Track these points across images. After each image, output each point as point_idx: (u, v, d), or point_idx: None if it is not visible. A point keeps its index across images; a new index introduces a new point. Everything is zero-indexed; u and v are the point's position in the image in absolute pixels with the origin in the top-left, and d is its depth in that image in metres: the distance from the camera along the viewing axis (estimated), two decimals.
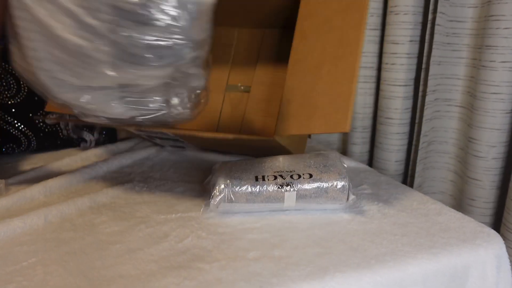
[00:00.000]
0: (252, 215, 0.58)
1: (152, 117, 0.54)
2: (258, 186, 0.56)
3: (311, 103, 0.61)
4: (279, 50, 0.86)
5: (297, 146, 0.75)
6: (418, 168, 0.87)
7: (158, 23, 0.48)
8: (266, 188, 0.56)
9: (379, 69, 0.95)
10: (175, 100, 0.54)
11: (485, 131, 0.76)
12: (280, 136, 0.64)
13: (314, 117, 0.60)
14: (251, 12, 0.83)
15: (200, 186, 0.68)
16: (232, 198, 0.56)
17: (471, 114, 0.79)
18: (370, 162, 1.01)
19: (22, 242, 0.51)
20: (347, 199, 0.57)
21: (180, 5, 0.49)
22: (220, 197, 0.56)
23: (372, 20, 0.90)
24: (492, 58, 0.73)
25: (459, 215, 0.58)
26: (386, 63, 0.88)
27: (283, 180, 0.56)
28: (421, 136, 0.85)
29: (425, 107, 0.84)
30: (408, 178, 0.92)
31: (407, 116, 0.90)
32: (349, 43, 0.61)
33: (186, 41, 0.50)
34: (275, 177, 0.57)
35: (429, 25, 0.82)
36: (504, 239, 0.54)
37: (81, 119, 0.56)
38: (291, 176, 0.57)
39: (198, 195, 0.65)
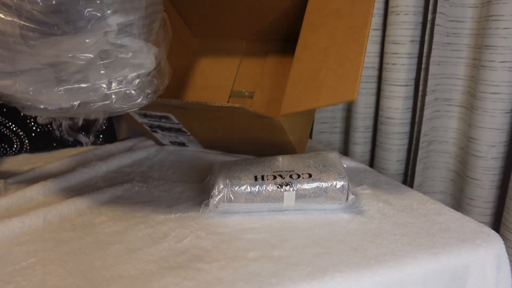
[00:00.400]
0: (251, 215, 0.57)
1: (96, 105, 0.49)
2: (257, 186, 0.56)
3: (318, 81, 0.61)
4: (283, 60, 0.89)
5: (298, 140, 0.75)
6: (418, 168, 0.87)
7: None
8: (266, 188, 0.56)
9: (380, 69, 0.95)
10: (121, 84, 0.49)
11: (485, 131, 0.76)
12: (285, 116, 0.64)
13: (321, 92, 0.59)
14: (257, 20, 0.86)
15: (199, 186, 0.68)
16: (231, 198, 0.56)
17: (470, 114, 0.79)
18: (372, 162, 1.01)
19: (21, 242, 0.51)
20: (347, 199, 0.57)
21: None
22: (219, 196, 0.56)
23: (373, 20, 0.90)
24: (491, 58, 0.73)
25: (459, 215, 0.58)
26: (387, 63, 0.88)
27: (282, 180, 0.56)
28: (421, 135, 0.85)
29: (425, 107, 0.84)
30: (408, 177, 0.92)
31: (408, 116, 0.90)
32: (357, 27, 0.61)
33: (100, 1, 0.44)
34: (274, 177, 0.57)
35: (428, 25, 0.82)
36: (504, 239, 0.54)
37: (24, 113, 0.52)
38: (291, 176, 0.57)
39: (198, 195, 0.65)
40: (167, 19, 0.59)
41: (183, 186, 0.68)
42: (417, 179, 0.88)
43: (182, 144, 0.88)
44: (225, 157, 0.83)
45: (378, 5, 0.90)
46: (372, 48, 0.92)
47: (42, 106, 0.50)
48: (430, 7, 0.81)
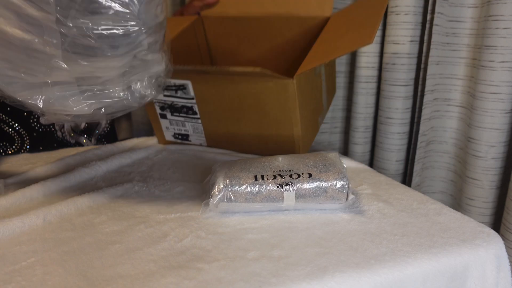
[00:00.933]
0: (251, 215, 0.57)
1: (116, 105, 0.53)
2: (257, 186, 0.56)
3: (335, 45, 0.67)
4: None
5: (303, 137, 0.77)
6: (416, 168, 0.87)
7: (108, 11, 0.45)
8: (266, 187, 0.56)
9: (380, 69, 0.95)
10: (137, 86, 0.53)
11: (484, 131, 0.76)
12: (299, 80, 0.68)
13: (338, 48, 0.65)
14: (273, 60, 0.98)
15: (199, 186, 0.68)
16: (231, 198, 0.56)
17: (470, 114, 0.79)
18: (371, 162, 1.01)
19: (21, 242, 0.51)
20: (347, 198, 0.57)
21: None
22: (219, 196, 0.56)
23: None
24: (491, 58, 0.73)
25: (458, 215, 0.58)
26: (387, 63, 0.88)
27: (282, 180, 0.56)
28: (419, 135, 0.85)
29: (424, 107, 0.84)
30: (407, 177, 0.92)
31: (408, 116, 0.90)
32: (371, 15, 0.68)
33: (140, 27, 0.48)
34: (275, 177, 0.57)
35: (427, 25, 0.82)
36: (504, 239, 0.54)
37: (43, 121, 0.55)
38: (291, 176, 0.57)
39: (198, 194, 0.65)
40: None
41: (183, 186, 0.68)
42: (415, 179, 0.88)
43: (185, 138, 0.88)
44: (225, 157, 0.83)
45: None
46: (372, 48, 0.92)
47: (61, 114, 0.52)
48: (429, 7, 0.81)
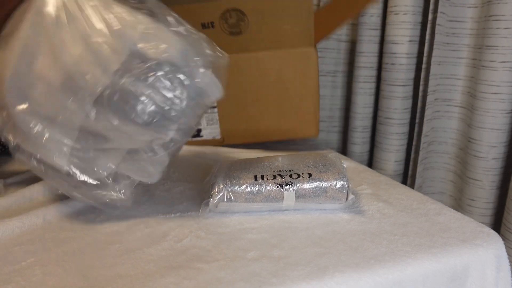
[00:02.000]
0: (251, 215, 0.57)
1: (88, 188, 0.51)
2: (257, 186, 0.56)
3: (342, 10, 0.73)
4: None
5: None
6: (418, 169, 0.87)
7: (162, 89, 0.46)
8: (265, 187, 0.56)
9: (379, 69, 0.95)
10: (118, 179, 0.51)
11: (485, 131, 0.76)
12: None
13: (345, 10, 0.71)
14: None
15: (199, 186, 0.68)
16: (231, 198, 0.56)
17: (471, 114, 0.79)
18: (370, 162, 1.01)
19: (21, 242, 0.51)
20: (347, 198, 0.57)
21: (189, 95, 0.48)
22: (219, 196, 0.56)
23: (372, 20, 0.91)
24: (492, 58, 0.73)
25: (458, 215, 0.58)
26: (386, 63, 0.88)
27: (282, 180, 0.56)
28: (422, 136, 0.85)
29: (426, 107, 0.84)
30: (408, 178, 0.92)
31: (407, 116, 0.90)
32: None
33: (178, 119, 0.49)
34: (274, 177, 0.57)
35: (429, 25, 0.82)
36: (504, 239, 0.54)
37: (14, 155, 0.51)
38: (290, 176, 0.57)
39: (198, 194, 0.65)
40: None
41: (183, 186, 0.68)
42: (417, 180, 0.88)
43: (197, 133, 0.85)
44: (225, 157, 0.83)
45: (377, 5, 0.90)
46: (370, 48, 0.92)
47: (35, 159, 0.50)
48: (431, 7, 0.81)
